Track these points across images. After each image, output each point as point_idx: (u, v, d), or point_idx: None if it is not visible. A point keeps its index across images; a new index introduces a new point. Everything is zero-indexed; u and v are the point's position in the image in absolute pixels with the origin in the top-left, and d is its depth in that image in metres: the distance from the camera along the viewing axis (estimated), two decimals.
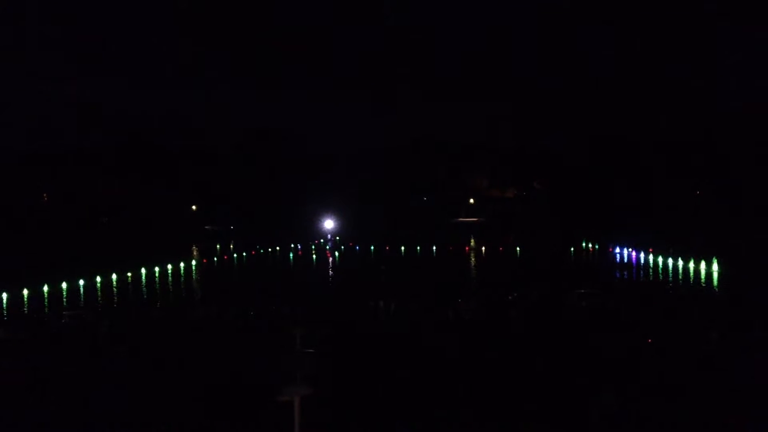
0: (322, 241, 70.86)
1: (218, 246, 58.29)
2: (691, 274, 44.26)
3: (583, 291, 36.75)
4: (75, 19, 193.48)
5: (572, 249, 59.41)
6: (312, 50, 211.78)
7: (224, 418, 19.08)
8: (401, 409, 19.50)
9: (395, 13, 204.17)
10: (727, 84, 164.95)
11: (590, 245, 60.43)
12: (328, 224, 78.26)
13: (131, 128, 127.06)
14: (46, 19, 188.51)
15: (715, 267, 43.91)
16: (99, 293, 40.72)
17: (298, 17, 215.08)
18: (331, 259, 60.73)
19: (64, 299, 38.76)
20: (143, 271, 47.84)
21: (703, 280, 42.04)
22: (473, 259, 56.92)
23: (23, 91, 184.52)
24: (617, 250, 56.94)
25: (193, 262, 53.86)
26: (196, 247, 55.22)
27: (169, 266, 50.56)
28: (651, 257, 51.54)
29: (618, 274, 46.31)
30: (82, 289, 41.55)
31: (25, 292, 39.30)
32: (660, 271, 46.68)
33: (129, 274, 46.37)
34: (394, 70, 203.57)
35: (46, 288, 40.59)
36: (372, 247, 63.18)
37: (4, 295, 38.30)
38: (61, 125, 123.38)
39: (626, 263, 50.96)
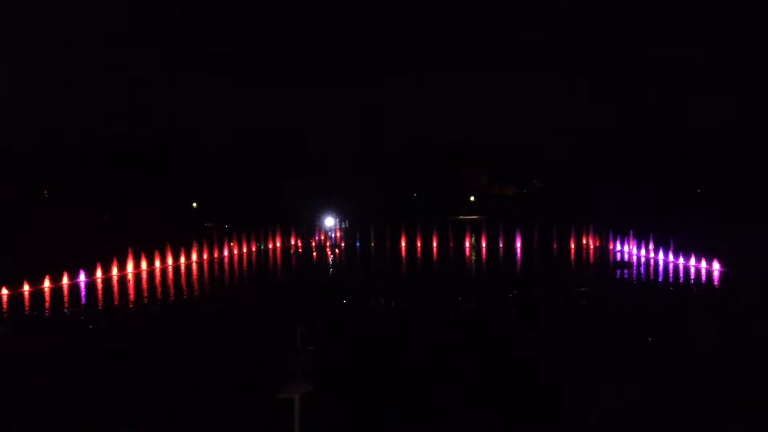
0: (322, 238, 70.89)
1: (217, 243, 58.25)
2: (692, 272, 44.31)
3: (583, 289, 36.82)
4: (75, 18, 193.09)
5: (572, 246, 59.42)
6: (312, 49, 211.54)
7: (223, 415, 19.10)
8: (402, 408, 19.52)
9: (396, 13, 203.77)
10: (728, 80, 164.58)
11: (590, 243, 60.40)
12: (328, 221, 78.27)
13: (131, 127, 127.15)
14: (45, 18, 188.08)
15: (716, 266, 43.92)
16: (100, 290, 40.77)
17: (298, 16, 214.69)
18: (331, 256, 60.77)
19: (65, 296, 38.80)
20: (144, 267, 47.89)
21: (703, 279, 42.05)
22: (473, 257, 56.93)
23: (23, 90, 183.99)
24: (618, 247, 57.00)
25: (194, 259, 53.90)
26: (197, 244, 55.22)
27: (170, 262, 50.63)
28: (652, 255, 51.64)
29: (619, 273, 46.28)
30: (83, 286, 41.61)
31: (26, 289, 39.32)
32: (661, 270, 46.70)
33: (130, 271, 46.44)
34: (394, 70, 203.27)
35: (47, 285, 40.63)
36: (372, 245, 63.19)
37: (4, 293, 38.34)
38: (62, 124, 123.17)
39: (627, 261, 50.92)
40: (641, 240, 53.94)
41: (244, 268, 52.40)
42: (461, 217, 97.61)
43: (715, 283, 40.61)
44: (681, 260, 47.70)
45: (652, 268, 47.58)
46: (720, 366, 22.65)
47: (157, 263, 49.39)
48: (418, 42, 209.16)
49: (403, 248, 61.53)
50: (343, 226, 79.54)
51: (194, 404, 19.98)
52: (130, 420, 18.78)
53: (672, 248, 49.60)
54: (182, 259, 52.26)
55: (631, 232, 55.71)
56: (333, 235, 74.31)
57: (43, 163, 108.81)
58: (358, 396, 20.30)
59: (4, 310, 35.13)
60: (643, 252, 53.13)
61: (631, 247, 55.39)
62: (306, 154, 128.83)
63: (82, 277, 43.02)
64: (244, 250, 60.29)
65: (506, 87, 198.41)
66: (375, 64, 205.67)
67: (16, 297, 37.75)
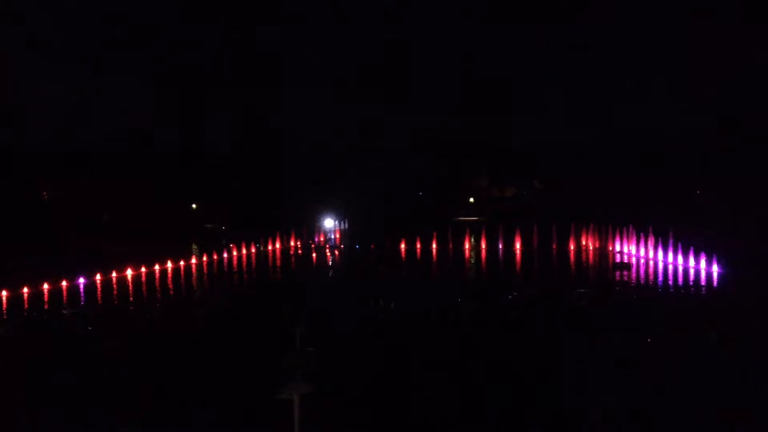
0: (321, 239, 70.89)
1: (217, 244, 58.26)
2: (692, 273, 44.27)
3: (583, 290, 36.77)
4: (75, 18, 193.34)
5: (572, 248, 59.40)
6: (312, 49, 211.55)
7: (223, 416, 19.07)
8: (402, 409, 19.49)
9: (396, 13, 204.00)
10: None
11: (590, 244, 60.37)
12: (328, 223, 78.29)
13: (132, 127, 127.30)
14: (45, 18, 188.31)
15: (715, 267, 43.86)
16: (99, 291, 40.74)
17: (298, 16, 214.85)
18: (330, 257, 60.74)
19: (64, 297, 38.77)
20: (143, 269, 47.81)
21: (705, 280, 42.02)
22: (473, 259, 56.91)
23: (24, 89, 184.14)
24: (618, 248, 56.96)
25: (193, 260, 53.86)
26: (196, 245, 55.27)
27: (169, 264, 50.57)
28: (650, 257, 51.60)
29: (618, 274, 46.24)
30: (82, 287, 41.57)
31: (25, 290, 39.28)
32: (659, 272, 46.68)
33: (129, 272, 46.35)
34: (394, 70, 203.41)
35: (46, 286, 40.59)
36: (372, 246, 63.13)
37: (4, 293, 38.31)
38: (62, 124, 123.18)
39: (626, 262, 50.88)
40: (641, 240, 53.89)
41: (244, 270, 52.38)
42: (461, 218, 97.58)
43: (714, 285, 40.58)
44: (681, 261, 47.62)
45: (651, 270, 47.55)
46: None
47: (157, 265, 49.32)
48: (418, 45, 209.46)
49: (403, 249, 61.49)
50: (343, 227, 79.55)
51: (193, 404, 19.95)
52: (129, 421, 18.75)
53: (671, 247, 49.53)
54: (182, 261, 52.20)
55: (631, 228, 55.60)
56: (332, 237, 74.30)
57: (43, 163, 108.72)
58: (357, 398, 20.29)
59: (4, 311, 35.16)
60: (642, 252, 53.08)
61: (630, 247, 55.35)
62: (306, 155, 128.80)
63: (81, 279, 43.00)
64: (244, 251, 60.23)
65: (506, 87, 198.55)
66: (375, 64, 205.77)
67: (15, 298, 37.79)
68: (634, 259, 52.51)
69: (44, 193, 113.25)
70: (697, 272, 44.46)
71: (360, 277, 46.54)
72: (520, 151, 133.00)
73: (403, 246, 62.42)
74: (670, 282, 42.53)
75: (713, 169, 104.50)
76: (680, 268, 46.45)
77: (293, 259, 59.58)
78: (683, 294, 38.49)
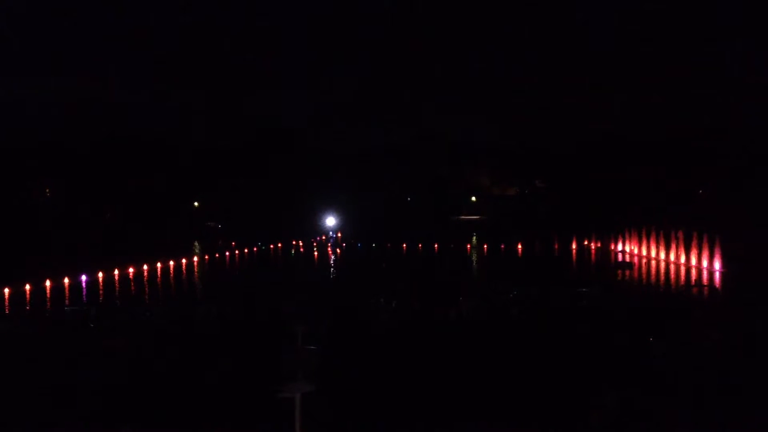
0: (323, 238, 70.93)
1: (219, 242, 58.32)
2: (694, 272, 44.24)
3: (584, 289, 36.73)
4: (77, 18, 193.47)
5: (574, 247, 59.39)
6: (312, 49, 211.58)
7: (224, 415, 19.08)
8: (403, 408, 19.49)
9: (396, 12, 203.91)
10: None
11: (592, 243, 60.36)
12: (330, 221, 78.35)
13: (134, 125, 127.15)
14: (45, 16, 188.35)
15: (717, 266, 43.83)
16: (101, 288, 40.77)
17: (299, 16, 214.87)
18: (332, 256, 60.75)
19: (66, 294, 38.81)
20: (145, 267, 47.84)
21: (707, 279, 41.99)
22: (474, 257, 56.89)
23: (25, 87, 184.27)
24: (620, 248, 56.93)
25: (195, 258, 53.89)
26: (198, 243, 55.35)
27: (171, 262, 50.59)
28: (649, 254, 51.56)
29: (620, 273, 46.21)
30: (84, 284, 41.61)
31: (27, 287, 39.32)
32: (662, 271, 46.66)
33: (131, 270, 46.39)
34: (394, 69, 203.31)
35: (48, 283, 40.63)
36: (373, 245, 63.14)
37: (6, 290, 38.35)
38: (64, 122, 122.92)
39: (628, 262, 50.86)
40: (642, 239, 53.85)
41: (245, 268, 52.39)
42: (462, 217, 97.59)
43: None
44: (683, 260, 47.57)
45: (653, 269, 47.51)
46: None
47: (159, 263, 49.34)
48: (418, 45, 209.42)
49: (405, 248, 61.47)
50: (345, 225, 79.57)
51: (194, 402, 19.95)
52: (130, 419, 18.75)
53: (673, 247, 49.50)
54: (183, 259, 52.23)
55: (633, 228, 55.58)
56: (334, 235, 74.30)
57: (43, 163, 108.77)
58: (358, 398, 20.28)
59: (6, 307, 35.21)
60: (644, 251, 53.03)
61: (632, 246, 55.31)
62: (308, 155, 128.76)
63: (83, 276, 43.06)
64: (246, 250, 60.25)
65: (507, 88, 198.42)
66: (375, 64, 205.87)
67: (17, 295, 37.83)
68: (636, 259, 52.49)
69: (46, 190, 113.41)
70: (699, 271, 44.43)
71: (361, 276, 46.53)
72: (522, 150, 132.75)
73: (404, 245, 62.40)
74: (672, 281, 42.49)
75: (713, 169, 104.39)
76: (682, 267, 46.42)
77: (295, 257, 59.60)
78: (684, 293, 38.45)
